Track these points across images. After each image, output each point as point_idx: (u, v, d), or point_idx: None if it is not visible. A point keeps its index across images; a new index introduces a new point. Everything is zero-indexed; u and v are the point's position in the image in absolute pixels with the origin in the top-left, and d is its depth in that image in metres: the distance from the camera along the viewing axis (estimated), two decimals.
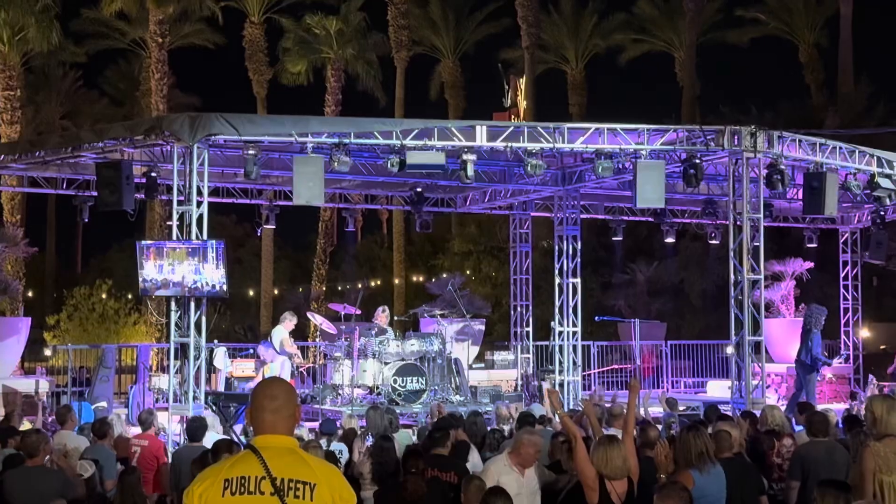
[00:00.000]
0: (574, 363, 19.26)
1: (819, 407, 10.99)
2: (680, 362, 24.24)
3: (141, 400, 17.70)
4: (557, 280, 19.31)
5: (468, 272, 35.99)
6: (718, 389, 20.46)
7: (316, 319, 19.02)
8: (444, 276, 33.38)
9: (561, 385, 18.79)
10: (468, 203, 21.50)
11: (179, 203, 13.57)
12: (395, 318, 22.34)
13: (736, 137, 15.26)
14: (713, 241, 22.45)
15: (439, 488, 7.63)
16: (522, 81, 39.58)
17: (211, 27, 39.80)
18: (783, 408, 15.36)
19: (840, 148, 16.61)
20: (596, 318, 21.33)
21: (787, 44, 41.25)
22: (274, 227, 20.65)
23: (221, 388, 17.05)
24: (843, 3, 38.16)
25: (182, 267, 13.32)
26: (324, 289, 38.59)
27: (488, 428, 11.14)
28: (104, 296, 35.45)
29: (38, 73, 40.78)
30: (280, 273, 43.69)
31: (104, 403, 16.79)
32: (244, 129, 13.90)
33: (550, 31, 43.24)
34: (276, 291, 41.72)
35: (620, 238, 22.95)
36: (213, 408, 14.51)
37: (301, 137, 14.22)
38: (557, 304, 19.27)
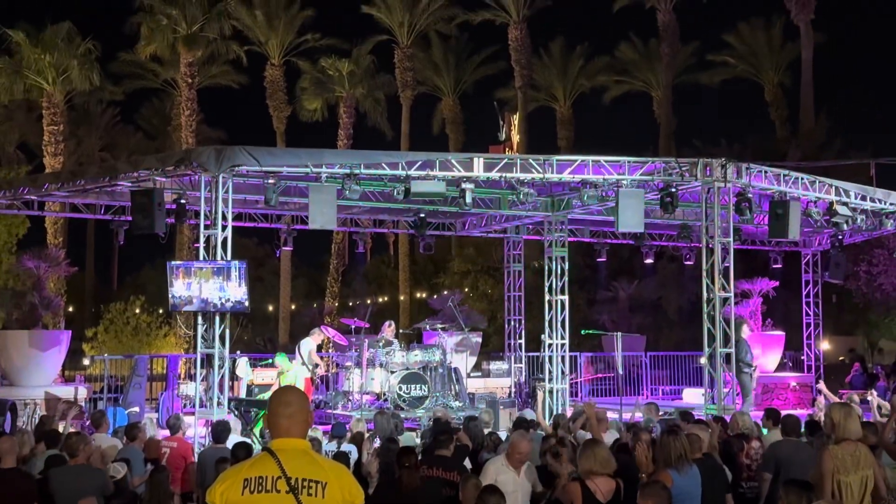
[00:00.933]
0: (562, 372, 19.18)
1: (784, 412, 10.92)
2: (658, 372, 24.17)
3: (170, 405, 17.66)
4: (547, 297, 19.26)
5: (467, 290, 35.95)
6: (693, 396, 20.37)
7: (329, 332, 18.96)
8: (445, 293, 33.45)
9: (551, 392, 18.71)
10: (467, 227, 21.47)
11: (206, 227, 13.54)
12: (401, 331, 22.24)
13: (708, 169, 15.26)
14: (688, 262, 22.42)
15: (436, 485, 7.58)
16: (516, 118, 39.78)
17: (235, 69, 39.99)
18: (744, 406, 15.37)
19: (802, 178, 16.60)
20: (582, 331, 21.25)
21: (754, 84, 41.46)
22: (291, 248, 20.63)
23: (243, 395, 16.99)
24: (804, 47, 38.32)
25: (208, 285, 13.29)
26: (336, 304, 38.56)
27: (486, 431, 11.08)
28: (137, 310, 35.30)
29: (80, 110, 40.94)
30: (297, 290, 43.65)
31: (136, 408, 16.76)
32: (265, 160, 13.89)
33: (541, 72, 43.42)
34: (293, 307, 41.67)
35: (604, 259, 22.96)
36: (236, 412, 14.49)
37: (316, 168, 14.22)
38: (547, 318, 19.21)
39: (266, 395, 15.82)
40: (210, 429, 11.26)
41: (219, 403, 13.26)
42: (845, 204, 17.15)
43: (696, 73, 41.95)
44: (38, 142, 35.08)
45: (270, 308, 43.93)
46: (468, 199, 15.15)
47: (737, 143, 32.38)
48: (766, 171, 16.05)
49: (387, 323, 18.95)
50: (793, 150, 30.85)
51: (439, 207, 18.25)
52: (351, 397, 17.47)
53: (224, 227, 13.52)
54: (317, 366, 17.79)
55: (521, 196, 15.37)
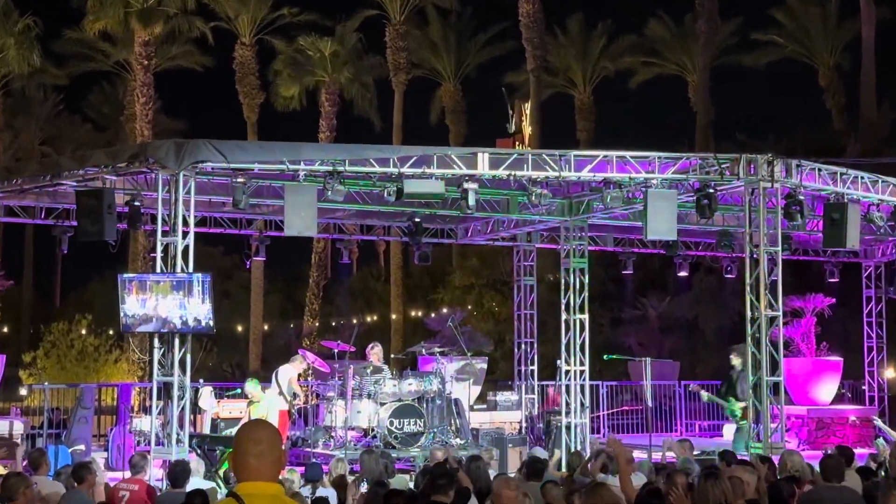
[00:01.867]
0: (582, 404, 19.13)
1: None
2: (694, 404, 24.14)
3: (121, 443, 17.61)
4: (564, 315, 19.24)
5: (469, 307, 36.00)
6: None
7: (309, 358, 18.96)
8: (444, 311, 33.46)
9: (567, 428, 18.68)
10: (469, 234, 21.49)
11: (164, 233, 13.56)
12: (392, 356, 22.26)
13: (752, 166, 15.27)
14: (729, 275, 22.43)
15: None
16: (527, 106, 40.03)
17: (199, 48, 40.03)
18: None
19: (862, 177, 16.62)
20: (605, 356, 21.24)
21: (806, 67, 41.45)
22: (264, 258, 20.63)
23: (207, 431, 16.95)
24: (864, 24, 38.34)
25: (166, 301, 13.29)
26: (317, 324, 38.58)
27: (492, 474, 11.03)
28: (83, 332, 35.40)
29: (17, 96, 41.00)
30: (270, 308, 43.65)
31: (82, 446, 16.72)
32: (233, 155, 13.92)
33: (557, 53, 43.48)
34: (265, 327, 41.67)
35: (630, 271, 22.95)
36: (198, 451, 14.45)
37: (293, 165, 14.24)
38: (564, 341, 19.19)
39: (233, 431, 15.81)
40: (167, 471, 11.23)
41: (178, 441, 13.24)
42: None
43: (739, 55, 42.03)
44: None
45: (239, 328, 43.95)
46: (471, 202, 15.16)
47: (786, 136, 32.47)
48: (819, 169, 16.07)
49: (370, 346, 18.90)
50: (852, 144, 30.93)
51: (437, 211, 18.27)
52: (333, 433, 17.45)
53: (185, 234, 13.53)
54: (296, 396, 17.79)
55: (534, 198, 15.39)
